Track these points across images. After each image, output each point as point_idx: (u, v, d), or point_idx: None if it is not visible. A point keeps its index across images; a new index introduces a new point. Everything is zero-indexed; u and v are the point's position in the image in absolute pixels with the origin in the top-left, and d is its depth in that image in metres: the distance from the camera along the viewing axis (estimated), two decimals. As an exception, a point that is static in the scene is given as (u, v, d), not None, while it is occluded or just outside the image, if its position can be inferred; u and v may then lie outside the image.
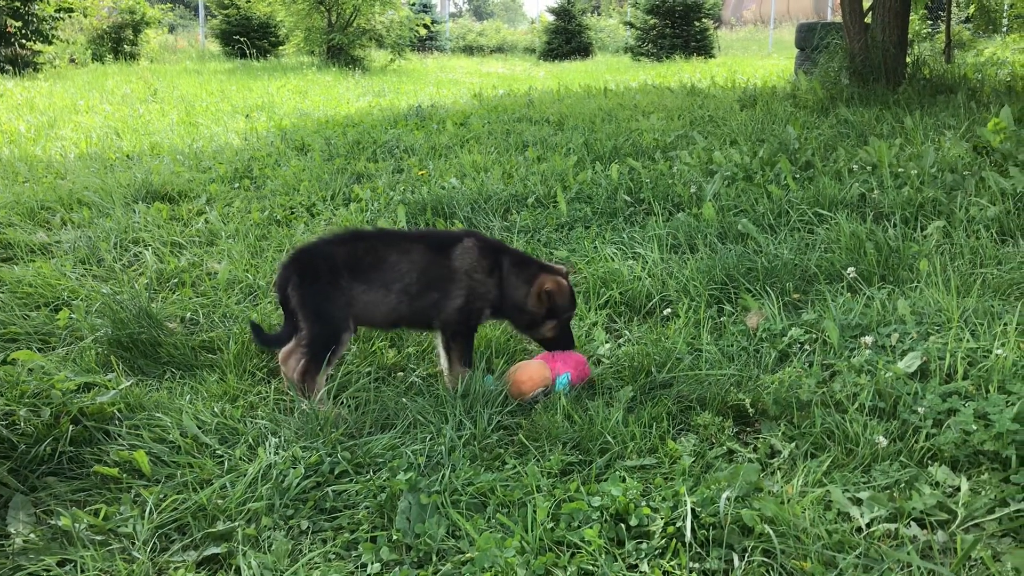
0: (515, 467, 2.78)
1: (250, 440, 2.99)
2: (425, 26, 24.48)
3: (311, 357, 3.18)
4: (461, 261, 3.32)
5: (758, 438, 2.96)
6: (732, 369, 3.36)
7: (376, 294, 3.25)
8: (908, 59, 10.05)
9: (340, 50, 21.49)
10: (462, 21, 42.85)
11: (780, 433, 2.93)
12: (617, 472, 2.71)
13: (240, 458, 2.87)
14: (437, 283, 3.29)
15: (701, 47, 26.36)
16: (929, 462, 2.68)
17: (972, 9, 17.62)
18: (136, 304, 3.91)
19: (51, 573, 2.35)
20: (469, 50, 35.35)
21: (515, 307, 3.40)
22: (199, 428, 3.05)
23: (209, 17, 28.81)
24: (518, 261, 3.44)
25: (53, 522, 2.56)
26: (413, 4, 27.52)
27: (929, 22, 18.06)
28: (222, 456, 2.91)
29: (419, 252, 3.32)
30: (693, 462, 2.76)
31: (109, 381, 3.33)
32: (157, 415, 3.12)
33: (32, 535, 2.50)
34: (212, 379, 3.48)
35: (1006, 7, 17.23)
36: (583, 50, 29.69)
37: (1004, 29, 18.60)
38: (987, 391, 2.94)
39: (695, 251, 4.71)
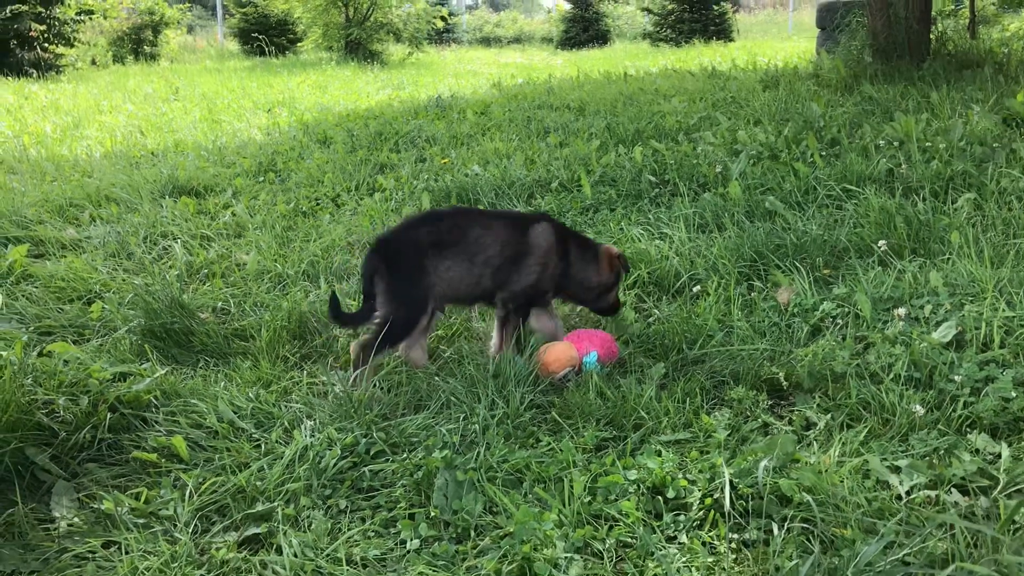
0: (549, 444, 2.78)
1: (285, 423, 3.01)
2: (442, 18, 24.44)
3: (381, 334, 3.23)
4: (538, 240, 3.43)
5: (793, 411, 2.95)
6: (764, 344, 3.34)
7: (461, 268, 3.34)
8: (932, 35, 9.92)
9: (358, 45, 21.51)
10: (479, 13, 42.78)
11: (815, 405, 2.92)
12: (652, 446, 2.70)
13: (276, 441, 2.90)
14: (515, 257, 3.40)
15: (720, 31, 26.16)
16: (968, 430, 2.66)
17: (996, -17, 17.35)
18: (168, 295, 3.94)
19: (96, 555, 2.38)
20: (486, 41, 35.28)
21: (582, 285, 3.56)
22: (235, 413, 3.08)
23: (227, 16, 28.94)
24: (582, 243, 3.59)
25: (96, 506, 2.59)
26: (429, -3, 27.49)
27: (952, -1, 17.77)
28: (258, 440, 2.94)
29: (500, 227, 3.43)
30: (728, 435, 2.76)
31: (144, 370, 3.37)
32: (193, 402, 3.15)
33: (76, 519, 2.54)
34: (245, 366, 3.51)
35: (1031, -20, 16.93)
36: (601, 38, 29.54)
37: (1029, 3, 18.27)
38: (1025, 359, 2.91)
39: (723, 230, 4.69)
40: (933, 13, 10.84)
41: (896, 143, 5.88)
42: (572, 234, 3.61)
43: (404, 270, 3.28)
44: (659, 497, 2.44)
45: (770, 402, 3.02)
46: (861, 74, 8.96)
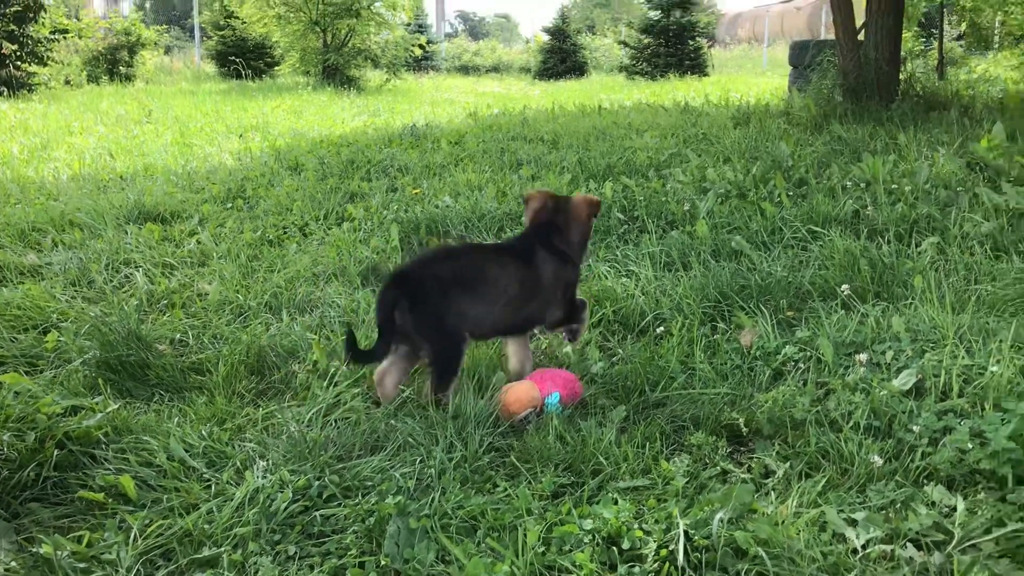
0: (506, 490, 2.73)
1: (238, 463, 2.94)
2: (420, 46, 24.59)
3: (440, 373, 3.25)
4: (545, 268, 3.47)
5: (752, 458, 2.92)
6: (726, 388, 3.33)
7: (482, 307, 3.35)
8: (901, 76, 10.09)
9: (335, 70, 21.56)
10: (458, 41, 43.08)
11: (774, 452, 2.90)
12: (609, 494, 2.66)
13: (227, 482, 2.82)
14: (535, 289, 3.45)
15: (695, 66, 26.48)
16: (925, 481, 2.65)
17: (964, 26, 17.73)
18: (125, 326, 3.87)
19: (32, 602, 2.31)
20: (465, 70, 35.51)
21: (578, 252, 3.61)
22: (186, 451, 3.01)
23: (205, 38, 28.94)
24: (561, 226, 3.56)
25: (35, 550, 2.51)
26: (408, 25, 27.65)
27: (922, 39, 18.18)
28: (209, 480, 2.87)
29: (512, 264, 3.44)
30: (687, 483, 2.73)
31: (96, 404, 3.29)
32: (144, 438, 3.07)
33: (13, 563, 2.45)
34: (200, 401, 3.44)
35: (997, 24, 17.33)
36: (578, 69, 29.83)
37: (996, 46, 18.71)
38: (983, 409, 2.91)
39: (688, 269, 4.69)
40: (903, 54, 11.03)
41: (863, 184, 5.94)
42: (553, 231, 3.55)
43: (432, 304, 3.27)
44: (614, 548, 2.40)
45: (730, 448, 3.00)
46: (831, 113, 9.08)
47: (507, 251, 3.61)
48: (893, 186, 5.71)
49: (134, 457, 2.97)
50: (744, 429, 3.02)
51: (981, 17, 17.19)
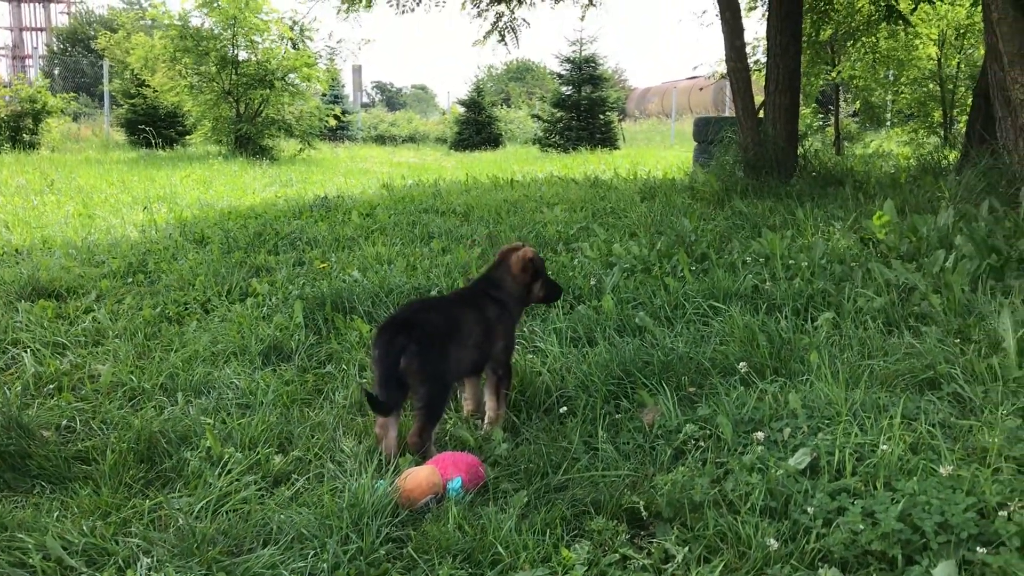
0: (402, 583, 2.65)
1: (120, 561, 2.79)
2: (336, 116, 24.60)
3: (428, 416, 3.46)
4: (491, 312, 3.87)
5: (652, 542, 2.90)
6: (627, 468, 3.32)
7: (462, 351, 3.67)
8: (799, 152, 10.52)
9: (248, 140, 21.40)
10: (374, 111, 43.37)
11: (674, 536, 2.88)
12: (507, 585, 2.61)
13: (107, 582, 2.67)
14: (488, 332, 3.81)
15: (606, 139, 27.21)
16: (820, 563, 2.66)
17: (858, 104, 18.68)
18: (6, 413, 3.68)
19: None
20: (381, 140, 35.67)
21: (518, 299, 4.05)
22: (64, 549, 2.84)
23: (115, 106, 28.46)
24: (495, 284, 4.01)
25: None
26: (324, 95, 27.71)
27: (820, 115, 19.08)
28: (87, 581, 2.71)
29: (472, 311, 3.81)
30: (586, 571, 2.69)
31: (-32, 500, 3.10)
32: (19, 536, 2.90)
33: None
34: (84, 493, 3.27)
35: (889, 103, 18.32)
36: (493, 141, 30.29)
37: (888, 123, 19.76)
38: (874, 488, 2.96)
39: (594, 344, 4.72)
40: (802, 130, 11.53)
41: (762, 259, 6.12)
42: (492, 284, 4.00)
43: (436, 350, 3.51)
44: (510, 643, 2.34)
45: (630, 533, 2.97)
46: (732, 188, 9.38)
47: (464, 301, 3.95)
48: (791, 261, 5.89)
49: (6, 557, 2.79)
50: (644, 513, 3.01)
51: (873, 96, 18.17)
